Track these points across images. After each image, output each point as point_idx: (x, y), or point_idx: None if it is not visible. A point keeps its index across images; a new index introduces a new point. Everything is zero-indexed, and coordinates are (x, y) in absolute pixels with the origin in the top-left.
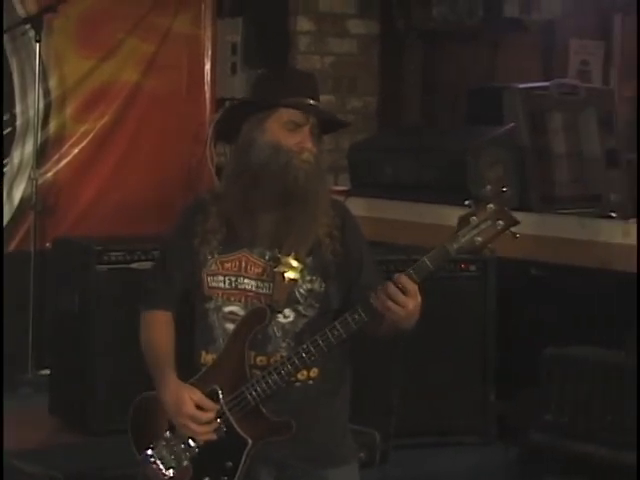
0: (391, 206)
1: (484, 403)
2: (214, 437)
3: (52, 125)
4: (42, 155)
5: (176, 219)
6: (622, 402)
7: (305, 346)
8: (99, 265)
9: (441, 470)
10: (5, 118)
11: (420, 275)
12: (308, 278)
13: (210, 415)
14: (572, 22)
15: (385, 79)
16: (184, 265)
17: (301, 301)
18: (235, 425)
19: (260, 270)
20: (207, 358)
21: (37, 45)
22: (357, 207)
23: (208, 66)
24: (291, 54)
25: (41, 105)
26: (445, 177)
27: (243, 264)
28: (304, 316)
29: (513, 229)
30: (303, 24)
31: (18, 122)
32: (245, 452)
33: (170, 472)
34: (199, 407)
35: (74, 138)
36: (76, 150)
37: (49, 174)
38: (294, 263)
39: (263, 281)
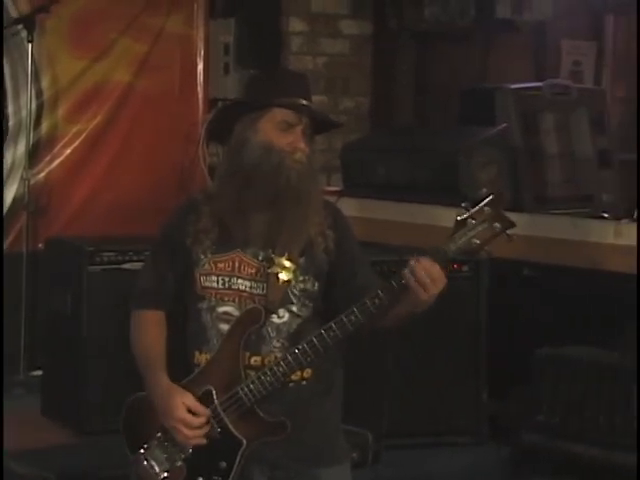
0: (383, 206)
1: (476, 403)
2: (204, 442)
3: (44, 125)
4: (34, 155)
5: (167, 218)
6: (615, 402)
7: (301, 346)
8: (91, 265)
9: (433, 470)
10: None
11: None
12: (301, 278)
13: (201, 420)
14: (564, 23)
15: (377, 79)
16: (176, 264)
17: (295, 301)
18: (230, 426)
19: (254, 271)
20: (201, 358)
21: (29, 45)
22: (349, 207)
23: (201, 66)
24: (284, 54)
25: (33, 105)
26: (438, 177)
27: (237, 264)
28: (298, 316)
29: (509, 231)
30: (296, 24)
31: (10, 122)
32: (239, 452)
33: (164, 473)
34: (191, 411)
35: (66, 138)
36: (68, 150)
37: (41, 174)
38: (287, 264)
39: (257, 281)
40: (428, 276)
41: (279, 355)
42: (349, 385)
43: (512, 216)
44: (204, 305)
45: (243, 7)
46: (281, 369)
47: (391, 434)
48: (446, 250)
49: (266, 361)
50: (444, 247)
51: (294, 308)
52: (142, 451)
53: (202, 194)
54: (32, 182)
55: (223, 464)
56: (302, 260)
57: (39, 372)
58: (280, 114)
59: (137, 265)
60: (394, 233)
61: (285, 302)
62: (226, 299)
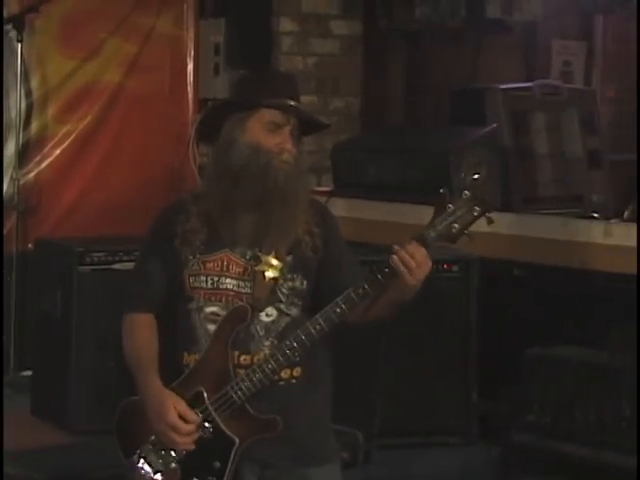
0: (374, 207)
1: (467, 403)
2: (192, 447)
3: (34, 125)
4: (24, 155)
5: (156, 219)
6: (604, 402)
7: (288, 342)
8: (81, 266)
9: (423, 470)
10: None
11: None
12: (289, 276)
13: (191, 427)
14: (554, 23)
15: (368, 80)
16: (165, 266)
17: (283, 299)
18: (222, 425)
19: (241, 270)
20: (190, 359)
21: (19, 45)
22: (340, 208)
23: (191, 66)
24: (274, 55)
25: (23, 105)
26: (428, 178)
27: (225, 264)
28: (287, 314)
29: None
30: (286, 25)
31: None
32: (233, 451)
33: (158, 476)
34: (181, 417)
35: (56, 138)
36: (58, 150)
37: (31, 174)
38: (274, 262)
39: (244, 280)
40: (414, 260)
41: (268, 353)
42: (340, 385)
43: (502, 216)
44: (193, 305)
45: (233, 7)
46: (270, 366)
47: (381, 434)
48: (425, 236)
49: (255, 360)
50: (423, 233)
51: (282, 306)
52: (136, 456)
53: (190, 194)
54: (22, 182)
55: (217, 464)
56: (290, 258)
57: (29, 372)
58: (268, 114)
59: (127, 265)
60: (385, 233)
61: (273, 300)
62: (213, 299)
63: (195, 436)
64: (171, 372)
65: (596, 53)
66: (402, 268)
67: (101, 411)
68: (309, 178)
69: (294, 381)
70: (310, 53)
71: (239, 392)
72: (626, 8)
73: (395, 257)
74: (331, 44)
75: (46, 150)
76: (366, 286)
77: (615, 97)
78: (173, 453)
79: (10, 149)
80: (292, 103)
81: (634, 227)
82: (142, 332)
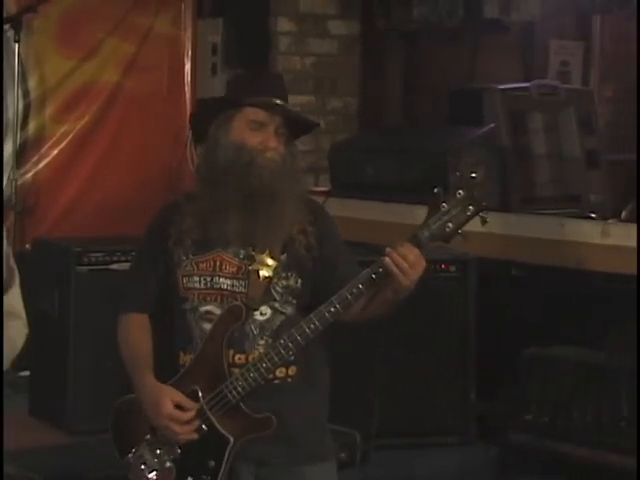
0: (372, 207)
1: (464, 403)
2: (195, 436)
3: (32, 125)
4: (22, 155)
5: (151, 221)
6: (602, 402)
7: (282, 341)
8: (79, 266)
9: (421, 470)
10: None
11: None
12: (283, 275)
13: (190, 414)
14: (552, 23)
15: (366, 80)
16: (159, 267)
17: (277, 298)
18: (216, 424)
19: (235, 269)
20: (185, 358)
21: (16, 45)
22: (337, 208)
23: (188, 66)
24: (272, 55)
25: (20, 105)
26: (426, 178)
27: (218, 263)
28: (281, 313)
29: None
30: (284, 24)
31: None
32: (227, 450)
33: (153, 475)
34: (179, 407)
35: (54, 139)
36: (56, 151)
37: (29, 175)
38: (269, 261)
39: (238, 279)
40: (406, 261)
41: (263, 352)
42: (337, 385)
43: (500, 216)
44: (187, 306)
45: (231, 7)
46: (264, 365)
47: (379, 434)
48: (419, 236)
49: (250, 358)
50: (417, 233)
51: (277, 305)
52: (131, 455)
53: (184, 195)
54: (19, 182)
55: (211, 463)
56: (284, 257)
57: (26, 373)
58: (252, 113)
59: (125, 265)
60: (382, 233)
61: (267, 299)
62: (208, 299)
63: (195, 425)
64: (167, 372)
65: (594, 53)
66: (395, 270)
67: (99, 411)
68: (305, 178)
69: (289, 380)
70: (308, 53)
71: (234, 391)
72: (624, 8)
73: (387, 259)
74: (329, 44)
75: (44, 150)
76: (360, 286)
77: (613, 97)
78: (168, 452)
79: (8, 149)
80: (277, 101)
81: (632, 227)
82: (135, 332)
